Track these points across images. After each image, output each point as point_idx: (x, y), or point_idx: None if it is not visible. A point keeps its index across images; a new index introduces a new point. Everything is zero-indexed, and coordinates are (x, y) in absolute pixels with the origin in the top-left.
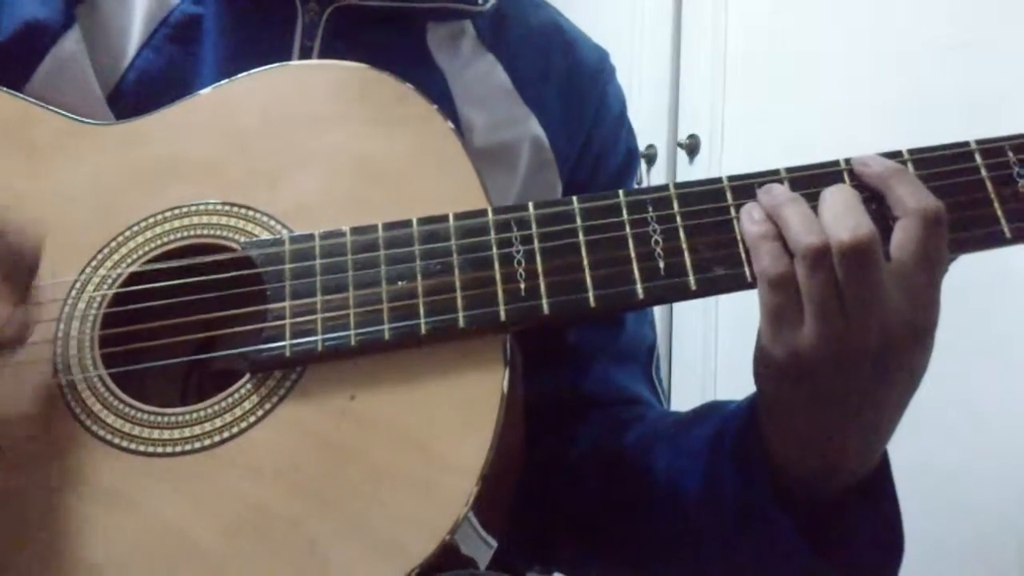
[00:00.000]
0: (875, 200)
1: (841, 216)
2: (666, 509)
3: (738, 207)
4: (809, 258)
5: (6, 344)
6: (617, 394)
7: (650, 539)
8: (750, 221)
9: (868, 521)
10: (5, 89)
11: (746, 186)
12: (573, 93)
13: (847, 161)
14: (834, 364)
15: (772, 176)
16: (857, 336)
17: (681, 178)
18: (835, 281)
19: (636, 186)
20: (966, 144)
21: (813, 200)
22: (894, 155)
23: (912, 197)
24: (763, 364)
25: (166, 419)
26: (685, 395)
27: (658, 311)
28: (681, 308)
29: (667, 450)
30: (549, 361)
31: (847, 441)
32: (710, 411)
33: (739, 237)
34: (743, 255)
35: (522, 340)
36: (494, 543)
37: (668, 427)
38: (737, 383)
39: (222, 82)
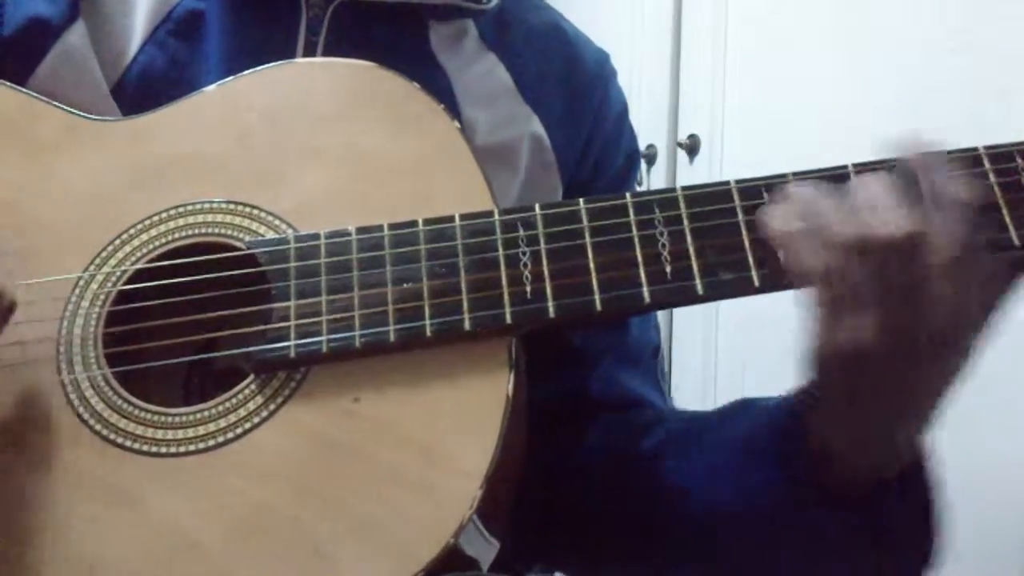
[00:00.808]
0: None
1: (882, 206)
2: (693, 511)
3: (745, 211)
4: (859, 248)
5: None
6: (623, 396)
7: (673, 541)
8: (781, 221)
9: (906, 514)
10: (9, 84)
11: (754, 189)
12: (574, 94)
13: (854, 165)
14: (897, 349)
15: (779, 179)
16: (919, 320)
17: (681, 178)
18: (889, 268)
19: (636, 187)
20: (975, 150)
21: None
22: (884, 162)
23: (951, 185)
24: (825, 355)
25: (170, 419)
26: (685, 395)
27: (659, 312)
28: (681, 309)
29: (693, 452)
30: (554, 363)
31: (897, 430)
32: (736, 412)
33: (746, 242)
34: (751, 260)
35: (527, 342)
36: (497, 544)
37: (690, 429)
38: (737, 383)
39: (227, 79)
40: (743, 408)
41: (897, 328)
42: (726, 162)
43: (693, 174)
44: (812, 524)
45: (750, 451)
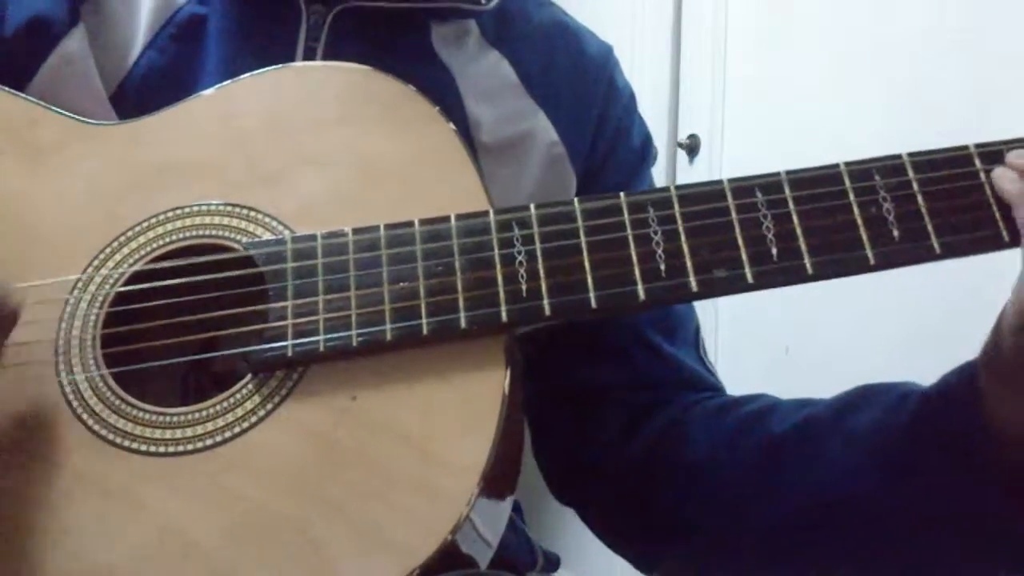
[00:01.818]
0: None
1: None
2: (845, 505)
3: (739, 208)
4: None
5: None
6: (690, 375)
7: (829, 534)
8: (1008, 181)
9: None
10: (8, 89)
11: (747, 189)
12: (580, 84)
13: (847, 164)
14: None
15: (772, 178)
16: None
17: (681, 178)
18: None
19: (651, 176)
20: (965, 148)
21: None
22: (894, 158)
23: None
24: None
25: (168, 419)
26: None
27: None
28: None
29: (836, 440)
30: (606, 350)
31: None
32: (866, 398)
33: (740, 239)
34: (744, 257)
35: (571, 332)
36: (494, 543)
37: (819, 415)
38: (737, 383)
39: (225, 82)
40: (872, 394)
41: None
42: (726, 162)
43: (693, 174)
44: (990, 514)
45: (917, 441)
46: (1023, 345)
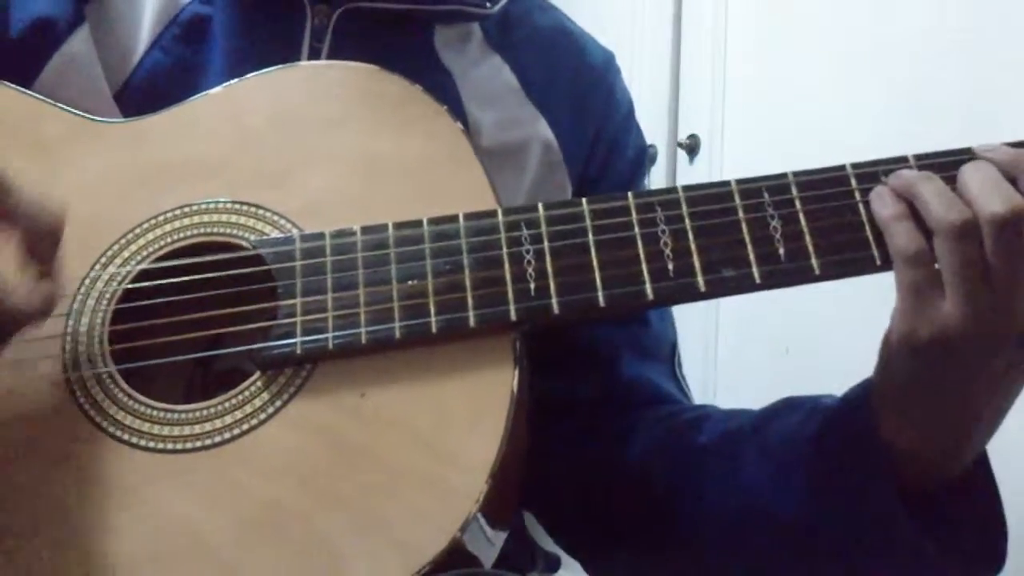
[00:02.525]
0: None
1: (990, 190)
2: (756, 508)
3: (746, 209)
4: (953, 234)
5: (33, 316)
6: (653, 391)
7: (730, 540)
8: (881, 204)
9: (972, 511)
10: (15, 86)
11: (754, 189)
12: (580, 93)
13: (854, 165)
14: (981, 341)
15: (779, 179)
16: (1005, 311)
17: (681, 178)
18: (981, 256)
19: (645, 185)
20: (967, 151)
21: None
22: (899, 160)
23: None
24: (906, 343)
25: (176, 416)
26: None
27: None
28: (681, 308)
29: (751, 450)
30: (576, 362)
31: (973, 426)
32: (787, 411)
33: (747, 239)
34: (752, 257)
35: (546, 342)
36: (499, 543)
37: (743, 426)
38: (737, 383)
39: (231, 81)
40: (791, 407)
41: (985, 318)
42: (726, 162)
43: (693, 174)
44: (889, 525)
45: (821, 452)
46: (908, 370)
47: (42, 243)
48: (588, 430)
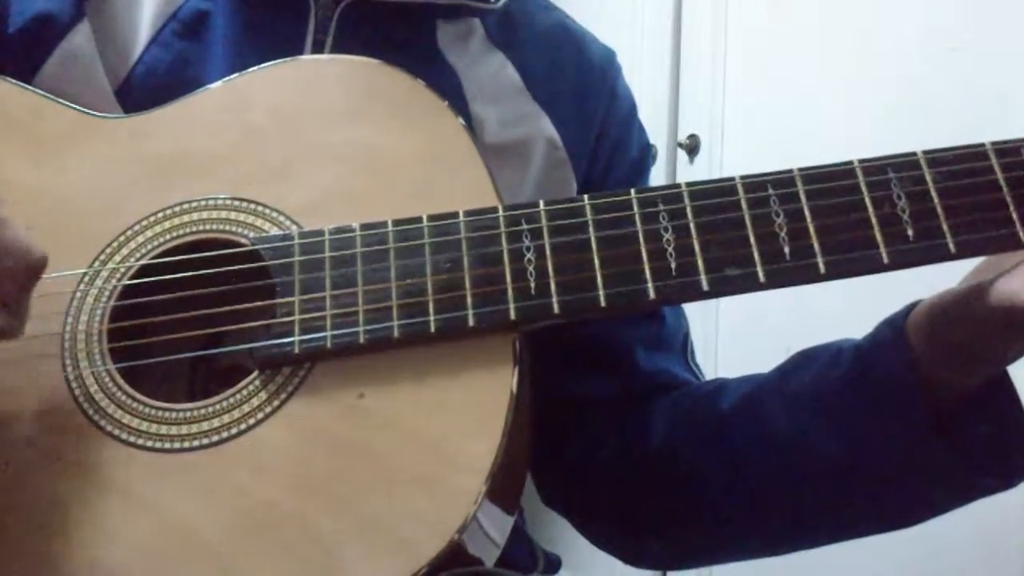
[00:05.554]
0: None
1: None
2: (791, 464)
3: (751, 204)
4: None
5: None
6: (668, 381)
7: (782, 497)
8: None
9: (993, 425)
10: (15, 82)
11: (758, 184)
12: (583, 91)
13: (861, 161)
14: None
15: (784, 175)
16: None
17: (681, 178)
18: None
19: (649, 182)
20: (981, 146)
21: None
22: (908, 156)
23: None
24: (1005, 315)
25: (174, 415)
26: None
27: None
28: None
29: (778, 403)
30: (592, 362)
31: (1008, 353)
32: (806, 360)
33: (752, 237)
34: (756, 256)
35: (559, 342)
36: (501, 543)
37: (763, 385)
38: None
39: (232, 76)
40: (809, 358)
41: None
42: (726, 162)
43: (693, 174)
44: (927, 454)
45: (857, 390)
46: (988, 332)
47: (14, 284)
48: (610, 427)
